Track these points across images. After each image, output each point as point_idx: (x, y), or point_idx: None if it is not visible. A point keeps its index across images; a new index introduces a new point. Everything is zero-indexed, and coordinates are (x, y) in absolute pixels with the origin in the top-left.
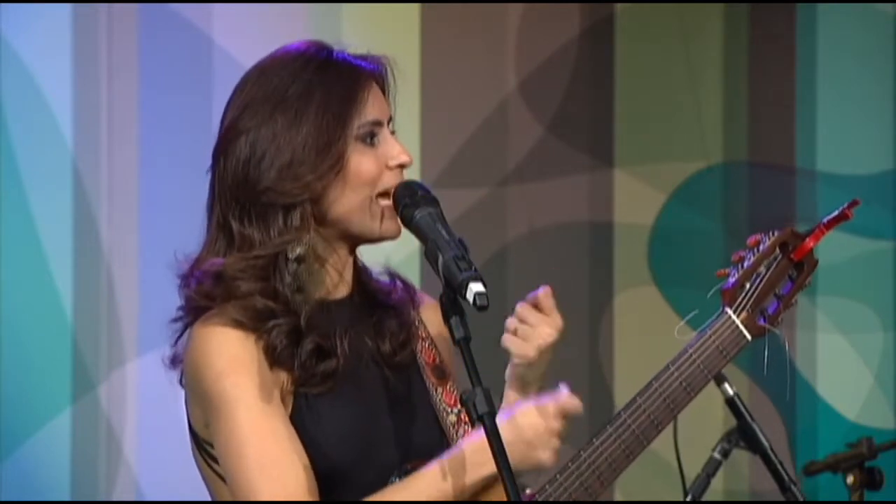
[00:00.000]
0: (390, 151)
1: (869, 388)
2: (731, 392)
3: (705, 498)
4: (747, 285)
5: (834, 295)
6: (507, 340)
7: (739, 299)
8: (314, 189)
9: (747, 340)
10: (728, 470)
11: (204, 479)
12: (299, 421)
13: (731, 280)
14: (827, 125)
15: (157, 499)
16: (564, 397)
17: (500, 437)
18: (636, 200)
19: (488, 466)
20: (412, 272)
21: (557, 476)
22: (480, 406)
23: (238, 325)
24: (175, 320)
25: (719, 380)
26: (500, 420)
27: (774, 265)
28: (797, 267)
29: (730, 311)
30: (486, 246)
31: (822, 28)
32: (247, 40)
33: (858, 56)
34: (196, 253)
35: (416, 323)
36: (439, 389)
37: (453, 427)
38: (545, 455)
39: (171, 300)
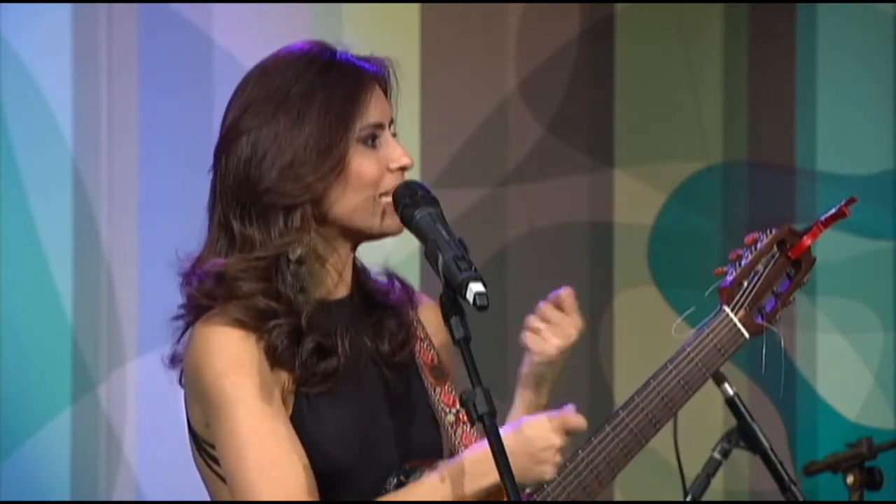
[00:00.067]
0: (392, 154)
1: (869, 388)
2: (730, 392)
3: (705, 498)
4: (745, 283)
5: (834, 295)
6: (529, 339)
7: (737, 297)
8: (315, 190)
9: (745, 338)
10: (728, 470)
11: (203, 479)
12: (300, 421)
13: (729, 278)
14: (827, 125)
15: (157, 499)
16: (571, 415)
17: (500, 438)
18: (636, 200)
19: (489, 477)
20: (412, 272)
21: (556, 475)
22: (480, 406)
23: (239, 324)
24: (176, 318)
25: (719, 380)
26: (507, 430)
27: (772, 263)
28: (795, 265)
29: (727, 310)
30: (486, 246)
31: (822, 28)
32: (247, 40)
33: (858, 56)
34: (197, 252)
35: (415, 323)
36: (438, 389)
37: (452, 427)
38: (547, 469)
39: (172, 300)
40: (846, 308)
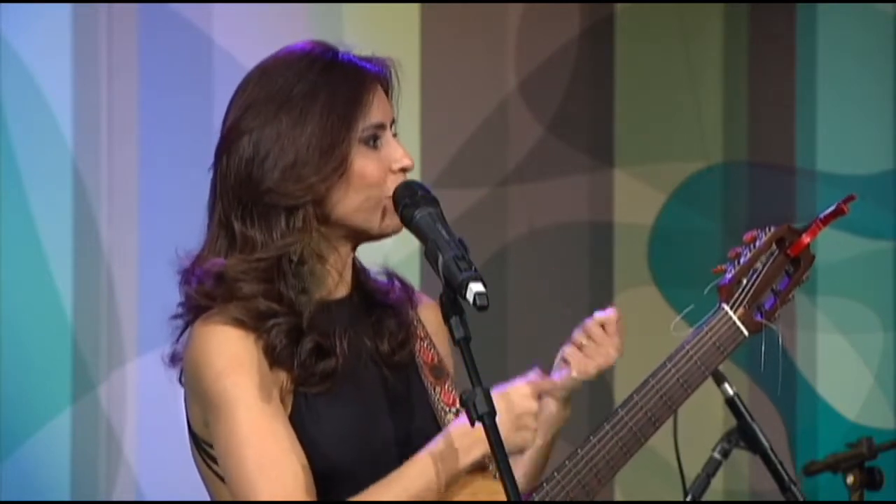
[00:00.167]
0: (393, 154)
1: (869, 388)
2: (731, 392)
3: (705, 498)
4: (744, 281)
5: (834, 295)
6: (572, 355)
7: (736, 295)
8: (317, 191)
9: (744, 336)
10: (728, 470)
11: (203, 479)
12: (298, 421)
13: (728, 276)
14: (827, 125)
15: (157, 499)
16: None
17: (501, 438)
18: (636, 200)
19: (477, 448)
20: (412, 272)
21: (555, 474)
22: (480, 406)
23: (238, 323)
24: (175, 317)
25: (719, 380)
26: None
27: (771, 261)
28: (794, 263)
29: (726, 307)
30: (486, 246)
31: (822, 28)
32: (247, 40)
33: (858, 56)
34: (197, 251)
35: (415, 322)
36: (437, 389)
37: None
38: (528, 437)
39: (171, 300)
40: (846, 308)
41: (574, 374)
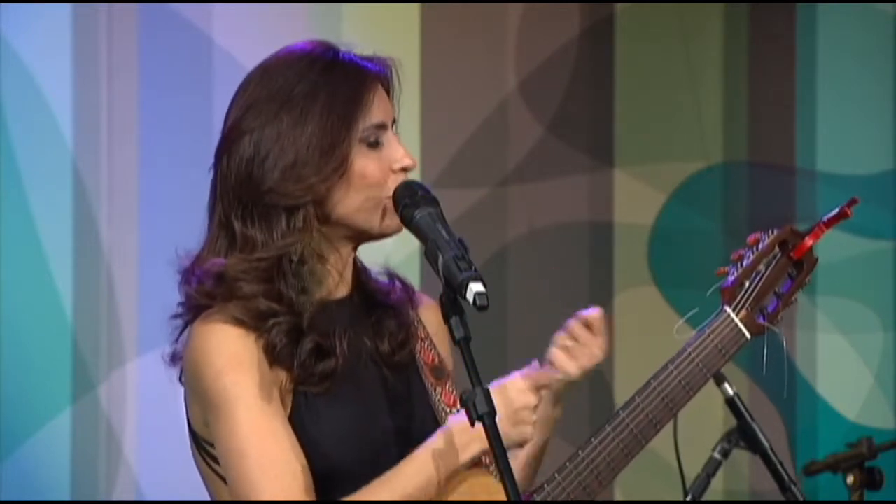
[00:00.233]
0: (394, 154)
1: (869, 388)
2: (731, 392)
3: (705, 498)
4: (747, 283)
5: (834, 295)
6: (556, 356)
7: (739, 298)
8: (318, 191)
9: (746, 339)
10: (728, 470)
11: (203, 478)
12: (298, 420)
13: (731, 278)
14: (827, 125)
15: (157, 499)
16: (538, 372)
17: (501, 438)
18: (636, 200)
19: (475, 445)
20: (412, 272)
21: (556, 475)
22: (480, 406)
23: (238, 323)
24: (175, 317)
25: (719, 380)
26: (491, 387)
27: (774, 263)
28: (797, 265)
29: (729, 310)
30: (486, 246)
31: (822, 28)
32: (247, 40)
33: (858, 56)
34: (197, 250)
35: (415, 323)
36: (438, 389)
37: None
38: (527, 431)
39: (171, 300)
40: (846, 308)
41: (558, 375)
